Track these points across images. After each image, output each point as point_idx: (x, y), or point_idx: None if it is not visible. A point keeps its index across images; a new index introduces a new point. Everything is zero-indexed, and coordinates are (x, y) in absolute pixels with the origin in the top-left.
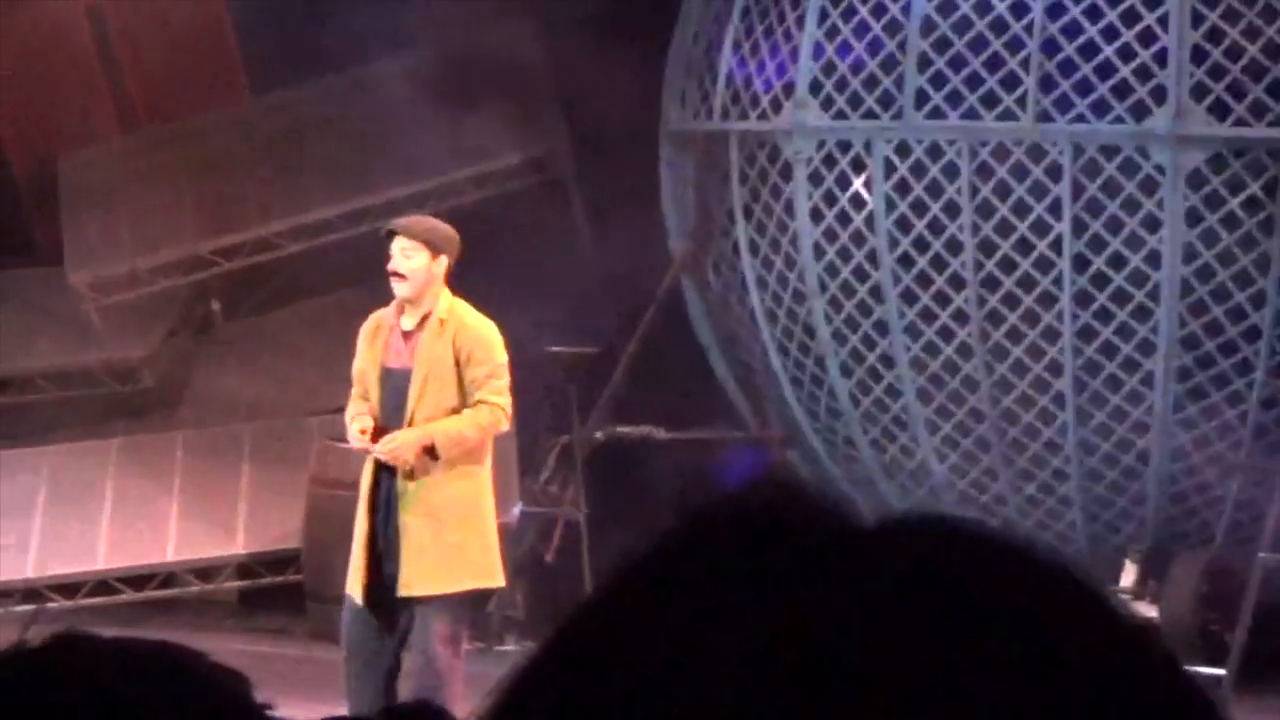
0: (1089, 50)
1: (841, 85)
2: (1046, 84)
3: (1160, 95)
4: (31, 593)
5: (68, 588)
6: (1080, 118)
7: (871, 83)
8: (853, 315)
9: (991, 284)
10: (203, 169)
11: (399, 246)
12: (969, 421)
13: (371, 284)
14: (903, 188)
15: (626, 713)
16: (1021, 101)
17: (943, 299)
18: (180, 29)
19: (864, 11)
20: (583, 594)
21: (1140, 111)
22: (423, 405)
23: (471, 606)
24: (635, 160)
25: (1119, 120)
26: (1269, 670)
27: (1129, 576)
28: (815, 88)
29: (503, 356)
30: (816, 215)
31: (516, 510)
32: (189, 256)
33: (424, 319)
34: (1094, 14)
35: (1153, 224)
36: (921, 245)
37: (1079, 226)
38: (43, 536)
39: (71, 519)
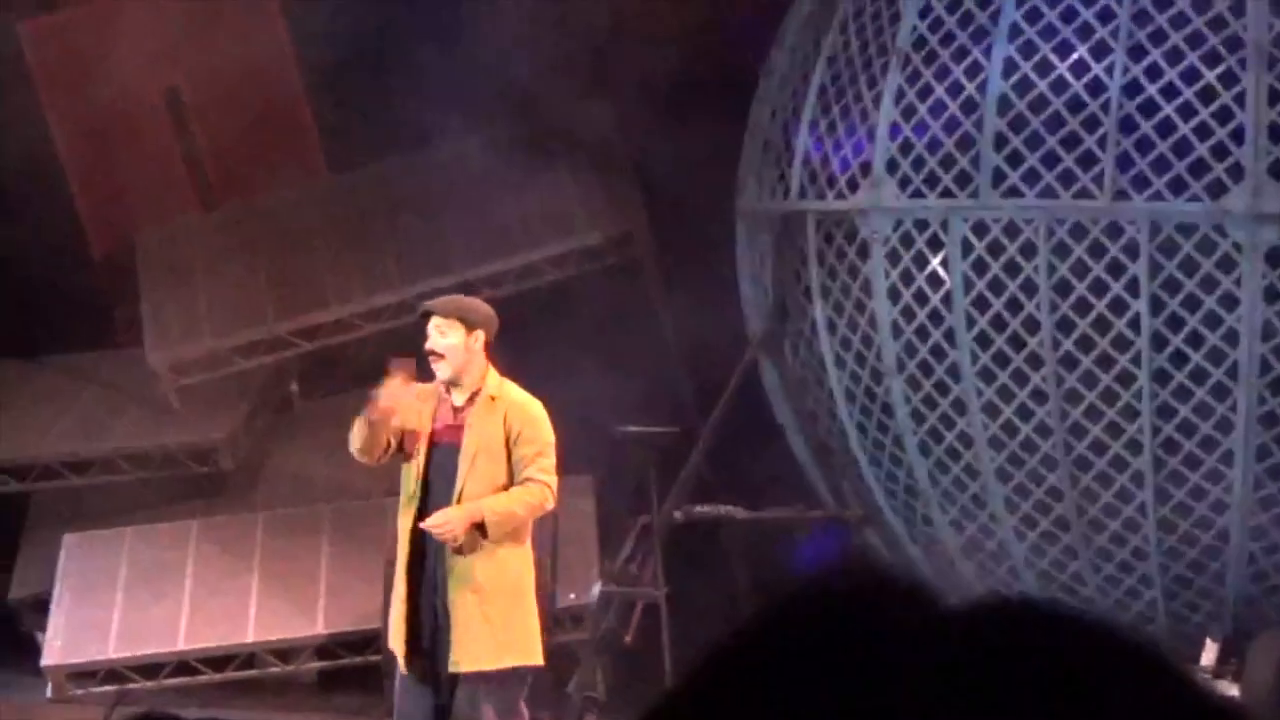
0: (1166, 128)
1: (918, 164)
2: (1123, 162)
3: (1237, 173)
4: (112, 674)
5: (149, 669)
6: (1157, 195)
7: (948, 161)
8: (931, 394)
9: (1069, 362)
10: (280, 248)
11: (434, 325)
12: (1048, 500)
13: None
14: (980, 266)
15: None
16: (1098, 180)
17: (1020, 378)
18: (257, 107)
19: (940, 90)
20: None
21: (1217, 189)
22: (472, 482)
23: (516, 683)
24: (712, 239)
25: (1196, 198)
26: None
27: (1209, 655)
28: (892, 166)
29: (550, 435)
30: (894, 294)
31: (596, 590)
32: (268, 337)
33: (473, 396)
34: (1170, 92)
35: (1230, 302)
36: (999, 324)
37: (1156, 305)
38: (123, 618)
39: (152, 600)
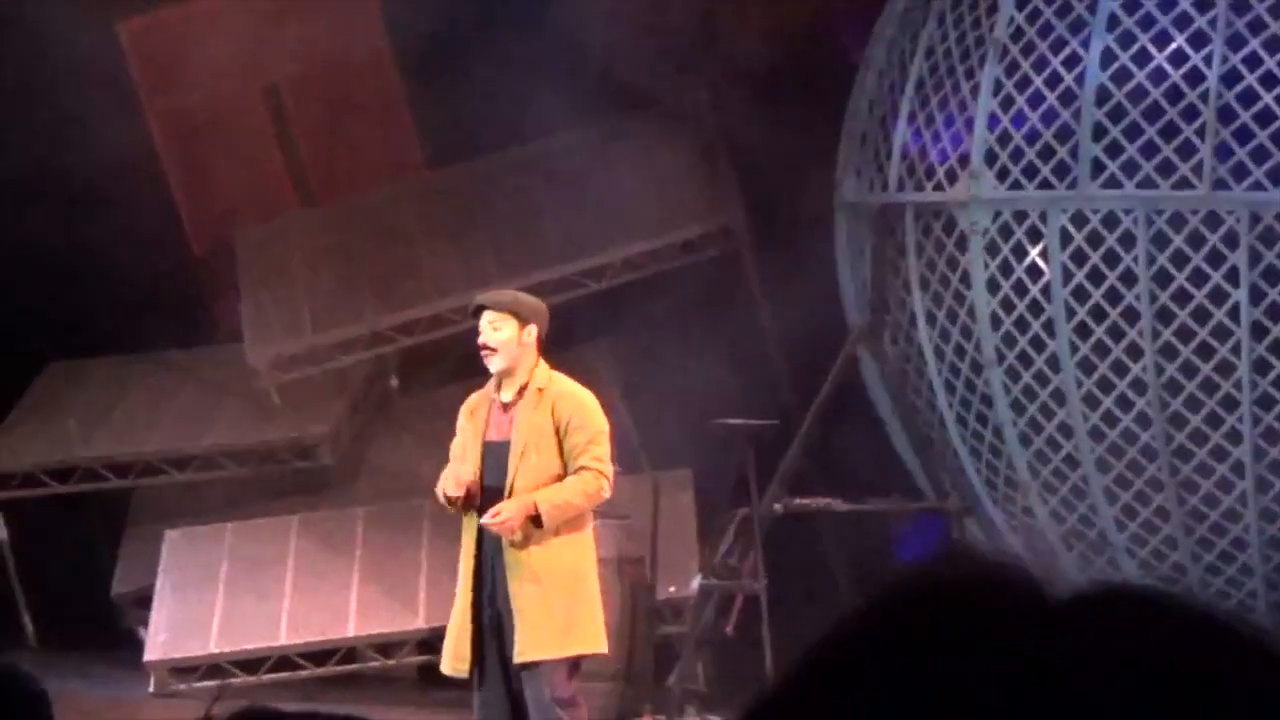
0: (1265, 117)
1: (1016, 156)
2: (1222, 152)
3: None
4: (214, 668)
5: (250, 663)
6: (1257, 185)
7: (1047, 153)
8: (1030, 385)
9: (1169, 352)
10: (379, 244)
11: (487, 320)
12: (1148, 490)
13: (547, 358)
14: (1079, 257)
15: None
16: (1197, 170)
17: (1120, 368)
18: (355, 103)
19: (1038, 82)
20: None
21: None
22: (523, 475)
23: (574, 671)
24: (811, 232)
25: None
26: None
27: None
28: (990, 158)
29: (603, 423)
30: (993, 286)
31: (696, 583)
32: (367, 333)
33: (522, 390)
34: (1270, 81)
35: None
36: (1098, 314)
37: (1256, 294)
38: (225, 613)
39: (253, 595)
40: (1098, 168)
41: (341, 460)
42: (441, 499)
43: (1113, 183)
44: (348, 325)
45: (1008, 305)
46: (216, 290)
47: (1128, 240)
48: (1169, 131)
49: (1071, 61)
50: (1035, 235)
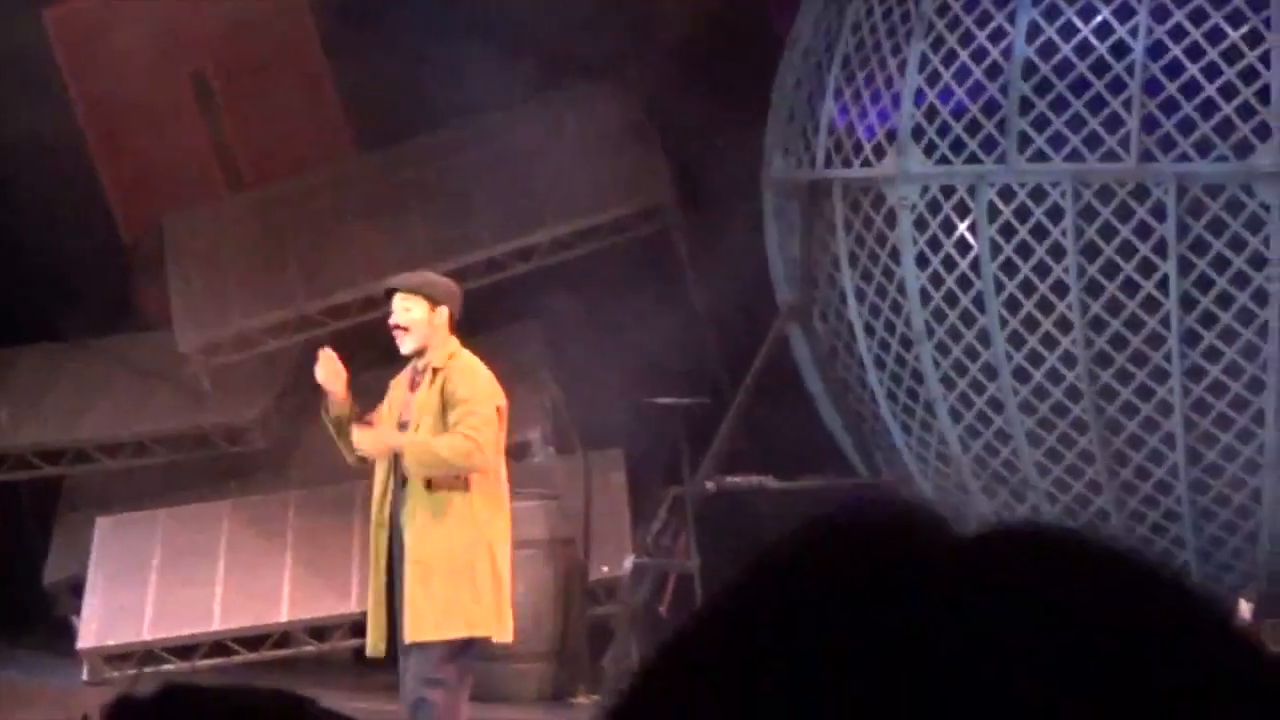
0: (1191, 89)
1: (944, 130)
2: (1149, 124)
3: (1264, 132)
4: (147, 655)
5: (184, 650)
6: (1183, 157)
7: (974, 127)
8: (960, 360)
9: (1098, 325)
10: (308, 228)
11: (398, 302)
12: (1079, 464)
13: (479, 339)
14: (1007, 231)
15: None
16: (1124, 142)
17: (1050, 341)
18: (283, 90)
19: (965, 56)
20: None
21: (1244, 149)
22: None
23: (456, 654)
24: (740, 210)
25: (1222, 159)
26: None
27: (1243, 615)
28: (918, 134)
29: (488, 398)
30: (922, 261)
31: (629, 563)
32: (297, 317)
33: (429, 371)
34: (1195, 53)
35: (1259, 262)
36: (1027, 288)
37: (1185, 266)
38: (158, 599)
39: (186, 581)
40: (1025, 141)
41: (273, 444)
42: (330, 422)
43: (1040, 156)
44: (277, 310)
45: (937, 280)
46: (146, 276)
47: (1056, 213)
48: (1096, 104)
49: (998, 36)
50: (963, 210)
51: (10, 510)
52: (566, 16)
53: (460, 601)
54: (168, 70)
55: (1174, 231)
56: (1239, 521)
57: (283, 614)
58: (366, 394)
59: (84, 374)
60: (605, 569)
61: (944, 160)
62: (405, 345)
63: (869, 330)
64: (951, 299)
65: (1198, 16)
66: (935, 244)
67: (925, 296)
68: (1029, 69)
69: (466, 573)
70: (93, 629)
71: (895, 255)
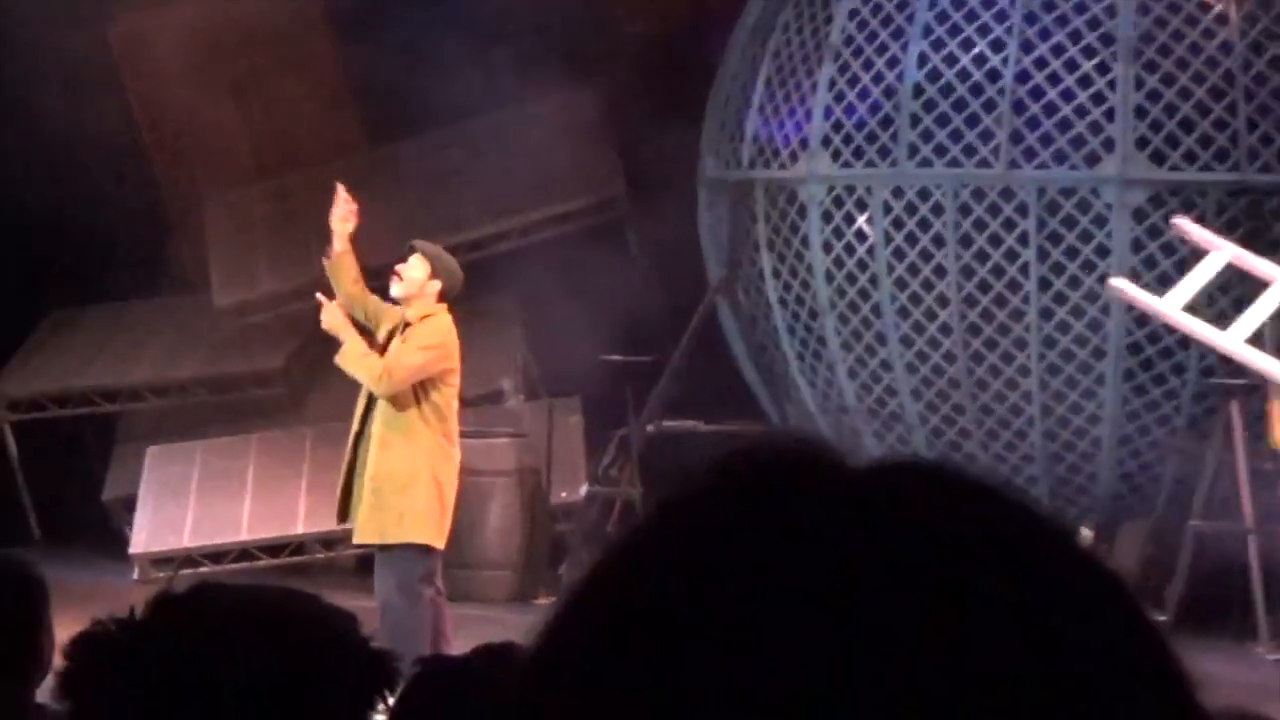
0: (1051, 109)
1: (847, 140)
2: (1016, 137)
3: (1109, 145)
4: (187, 559)
5: (217, 555)
6: (1044, 165)
7: (872, 138)
8: (857, 329)
9: (971, 302)
10: (324, 210)
11: (412, 258)
12: (954, 415)
13: (463, 306)
14: (898, 223)
15: (649, 651)
16: (995, 152)
17: (931, 315)
18: (305, 92)
19: (866, 79)
20: None
21: (1093, 159)
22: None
23: (414, 561)
24: (679, 203)
25: (1075, 167)
26: (1201, 617)
27: (1086, 539)
28: (826, 142)
29: (429, 343)
30: (827, 247)
31: (584, 490)
32: (315, 283)
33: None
34: (1054, 79)
35: (1103, 251)
36: (913, 270)
37: (1043, 254)
38: (196, 514)
39: (219, 499)
40: (913, 150)
41: (294, 389)
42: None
43: (926, 162)
44: (299, 276)
45: (839, 263)
46: (190, 248)
47: (938, 210)
48: (972, 120)
49: (892, 63)
50: (862, 205)
51: (76, 440)
52: (540, 34)
53: (409, 514)
54: (208, 76)
55: (1034, 226)
56: (1082, 464)
57: (299, 527)
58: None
59: (137, 328)
60: (564, 495)
61: (846, 165)
62: (394, 289)
63: (783, 303)
64: (851, 279)
65: (1057, 50)
66: (838, 233)
67: (829, 276)
68: (918, 90)
69: (413, 489)
70: (142, 537)
71: (805, 242)
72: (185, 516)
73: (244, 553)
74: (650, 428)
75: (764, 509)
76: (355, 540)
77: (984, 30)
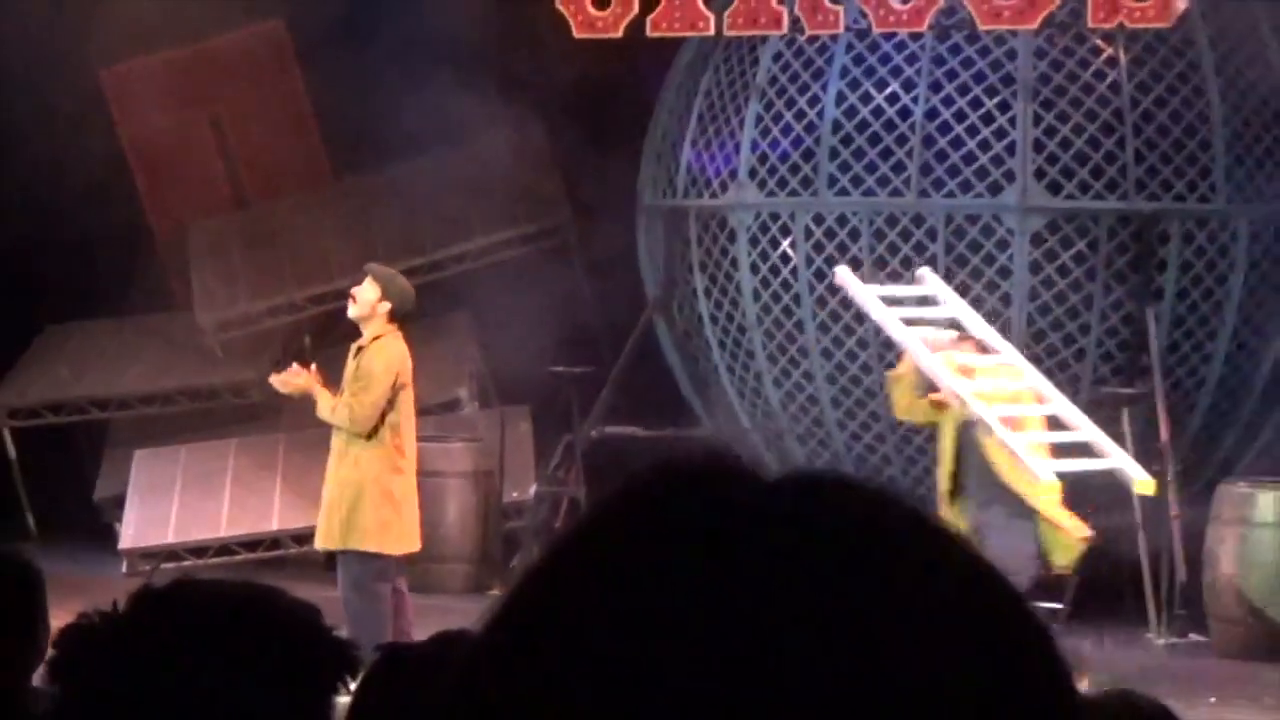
0: (957, 143)
1: (772, 171)
2: (925, 169)
3: (1010, 176)
4: (171, 554)
5: (199, 550)
6: (951, 194)
7: (795, 169)
8: (782, 343)
9: None
10: (296, 235)
11: (366, 279)
12: (870, 421)
13: (422, 322)
14: (818, 247)
15: (572, 639)
16: (907, 182)
17: (849, 330)
18: (279, 131)
19: (788, 116)
20: None
21: (996, 189)
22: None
23: (364, 564)
24: (619, 228)
25: (980, 195)
26: (1097, 606)
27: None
28: (753, 173)
29: (383, 376)
30: (754, 269)
31: (533, 490)
32: (288, 302)
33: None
34: (960, 116)
35: (1005, 273)
36: (833, 290)
37: (949, 276)
38: (180, 512)
39: (201, 499)
40: (832, 180)
41: (269, 399)
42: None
43: (844, 192)
44: (273, 296)
45: (765, 283)
46: (174, 270)
47: (855, 235)
48: (885, 154)
49: (813, 101)
50: (786, 231)
51: (70, 444)
52: (492, 74)
53: (360, 522)
54: (191, 114)
55: (943, 250)
56: None
57: (274, 524)
58: (341, 362)
59: (126, 343)
60: (515, 494)
61: (772, 193)
62: (350, 310)
63: (714, 319)
64: (776, 297)
65: (963, 89)
66: (764, 256)
67: (756, 295)
68: (836, 126)
69: (365, 501)
70: (130, 534)
71: (734, 264)
72: (170, 514)
73: (224, 548)
74: (594, 433)
75: (674, 518)
76: (316, 545)
77: (896, 72)
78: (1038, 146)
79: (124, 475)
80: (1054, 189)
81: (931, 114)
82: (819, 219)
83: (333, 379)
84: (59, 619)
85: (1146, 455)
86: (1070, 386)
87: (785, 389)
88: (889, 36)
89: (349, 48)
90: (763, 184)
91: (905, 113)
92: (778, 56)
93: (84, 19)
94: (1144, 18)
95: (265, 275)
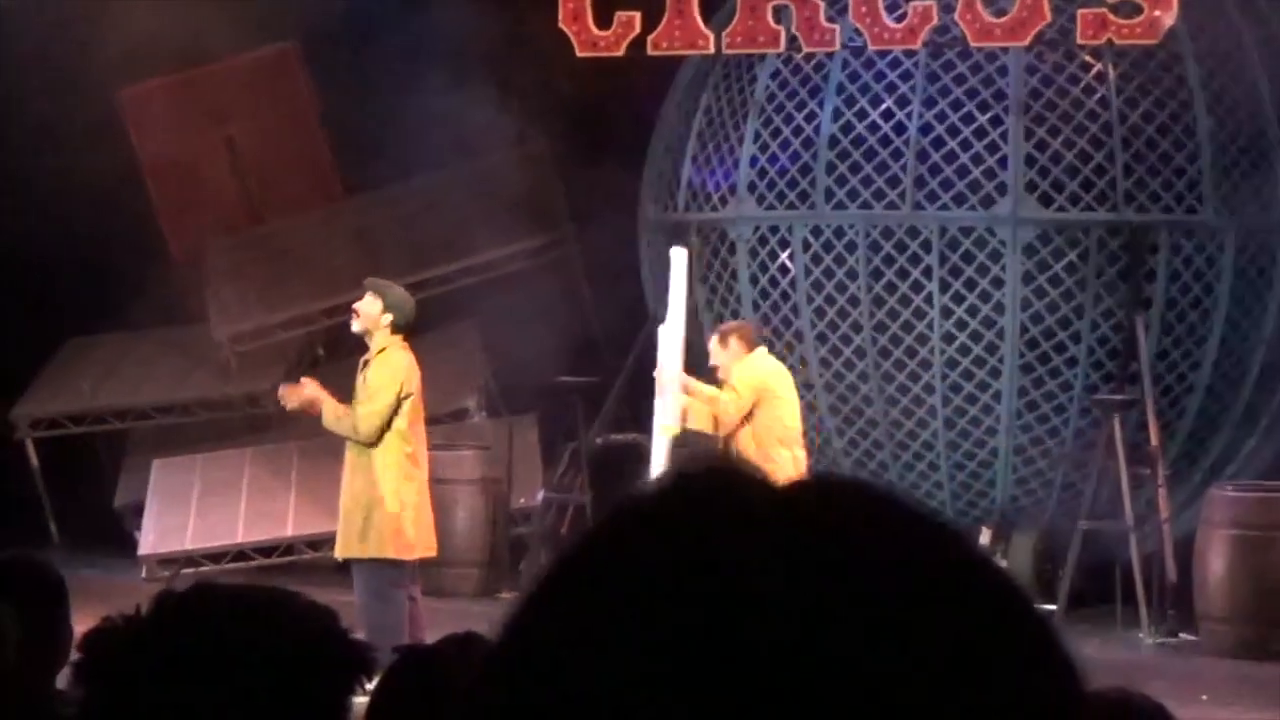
0: (951, 157)
1: (771, 185)
2: (920, 182)
3: (1003, 189)
4: (189, 560)
5: (215, 556)
6: (945, 206)
7: (792, 183)
8: (781, 352)
9: (881, 328)
10: (309, 251)
11: (367, 293)
12: (866, 427)
13: (431, 334)
14: (816, 259)
15: (584, 646)
16: (902, 195)
17: (846, 340)
18: (291, 151)
19: (787, 132)
20: None
21: (988, 201)
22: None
23: (379, 571)
24: (622, 242)
25: (973, 208)
26: (1089, 607)
27: (985, 539)
28: (751, 188)
29: (388, 388)
30: (754, 280)
31: (540, 496)
32: (301, 315)
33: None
34: (954, 131)
35: (998, 283)
36: (830, 300)
37: (944, 286)
38: (197, 519)
39: (217, 506)
40: (829, 194)
41: (282, 408)
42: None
43: (840, 205)
44: (287, 309)
45: (765, 294)
46: (191, 285)
47: (851, 247)
48: (881, 168)
49: (810, 117)
50: (784, 244)
51: (90, 454)
52: (499, 93)
53: (371, 531)
54: (208, 136)
55: (937, 260)
56: (982, 471)
57: (288, 530)
58: (352, 373)
59: (145, 355)
60: (523, 500)
61: (770, 207)
62: (354, 325)
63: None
64: (775, 308)
65: (956, 105)
66: (764, 268)
67: (755, 306)
68: (833, 141)
69: (375, 511)
70: (149, 540)
71: (734, 276)
72: (188, 522)
73: (240, 553)
74: (598, 441)
75: (686, 530)
76: (336, 554)
77: (891, 88)
78: (1029, 160)
79: (143, 483)
80: (1045, 201)
81: (926, 129)
82: (817, 232)
83: (346, 391)
84: (81, 623)
85: (1138, 459)
86: (1063, 393)
87: None
88: (884, 54)
89: (357, 67)
90: (761, 198)
91: (900, 128)
92: (775, 74)
93: (100, 41)
94: (1131, 35)
95: (278, 289)
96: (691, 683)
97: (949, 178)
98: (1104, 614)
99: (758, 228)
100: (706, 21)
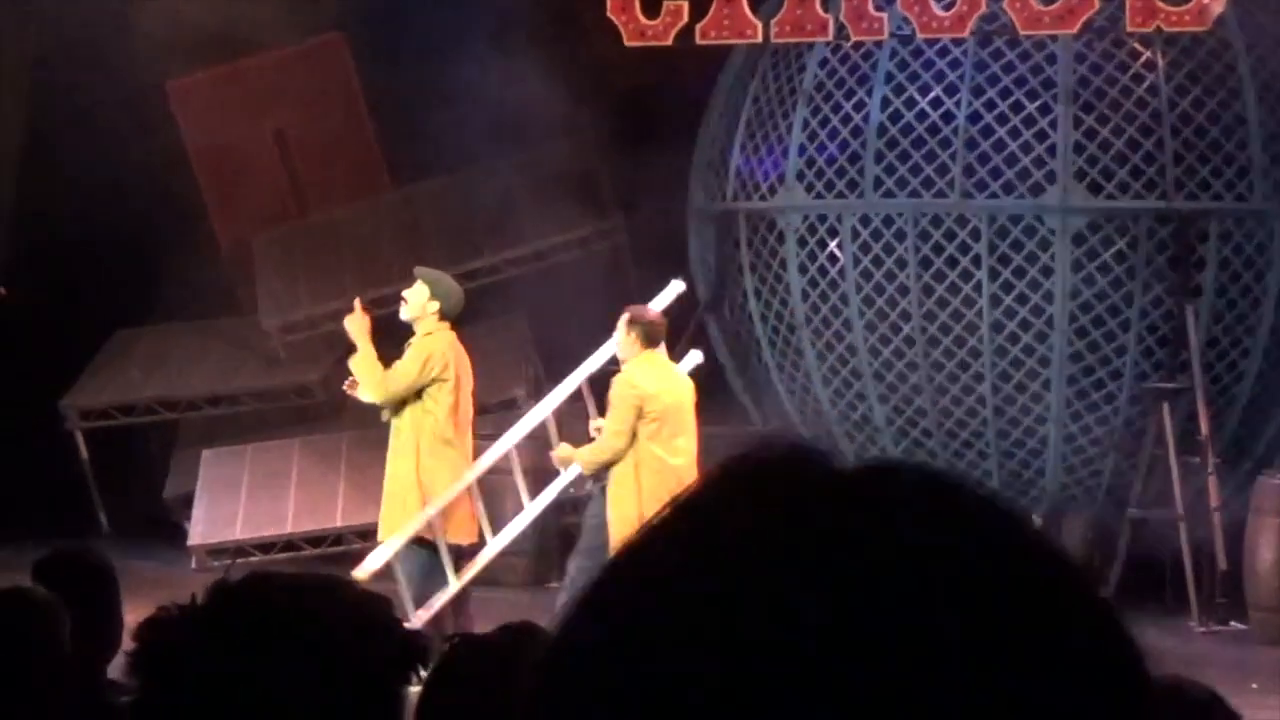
0: (1000, 145)
1: (819, 174)
2: (969, 171)
3: (1052, 177)
4: (239, 550)
5: (265, 546)
6: (994, 195)
7: (841, 172)
8: (830, 341)
9: (930, 317)
10: (357, 242)
11: (415, 283)
12: (916, 417)
13: (480, 324)
14: (865, 248)
15: (653, 642)
16: (951, 184)
17: (895, 328)
18: (339, 142)
19: (835, 120)
20: None
21: (1037, 190)
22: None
23: (414, 557)
24: (671, 231)
25: (1022, 196)
26: (1138, 595)
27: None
28: (800, 176)
29: (414, 358)
30: (802, 269)
31: (589, 485)
32: (349, 306)
33: None
34: (1002, 119)
35: (1047, 271)
36: (879, 289)
37: (993, 274)
38: (246, 509)
39: (267, 497)
40: (878, 183)
41: (332, 399)
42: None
43: (889, 194)
44: (335, 300)
45: (813, 283)
46: (239, 276)
47: (900, 235)
48: (930, 156)
49: (859, 106)
50: (833, 232)
51: (140, 445)
52: (549, 82)
53: (403, 514)
54: (255, 127)
55: (986, 249)
56: (1031, 460)
57: (338, 520)
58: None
59: (194, 346)
60: (572, 490)
61: (819, 196)
62: (402, 313)
63: (764, 319)
64: (824, 297)
65: (1005, 93)
66: (812, 257)
67: (804, 295)
68: (881, 130)
69: (399, 493)
70: (199, 531)
71: (783, 265)
72: (237, 512)
73: (289, 544)
74: None
75: (763, 510)
76: (380, 539)
77: (939, 76)
78: (1078, 148)
79: (192, 474)
80: (1094, 189)
81: (974, 117)
82: (865, 220)
83: None
84: (132, 614)
85: (1187, 448)
86: (1112, 381)
87: (834, 386)
88: (932, 42)
89: (404, 57)
90: (810, 187)
91: (949, 116)
92: (824, 63)
93: (149, 31)
94: (1181, 22)
95: (326, 280)
96: (801, 661)
97: (998, 166)
98: (1153, 603)
99: (806, 216)
100: (755, 10)
